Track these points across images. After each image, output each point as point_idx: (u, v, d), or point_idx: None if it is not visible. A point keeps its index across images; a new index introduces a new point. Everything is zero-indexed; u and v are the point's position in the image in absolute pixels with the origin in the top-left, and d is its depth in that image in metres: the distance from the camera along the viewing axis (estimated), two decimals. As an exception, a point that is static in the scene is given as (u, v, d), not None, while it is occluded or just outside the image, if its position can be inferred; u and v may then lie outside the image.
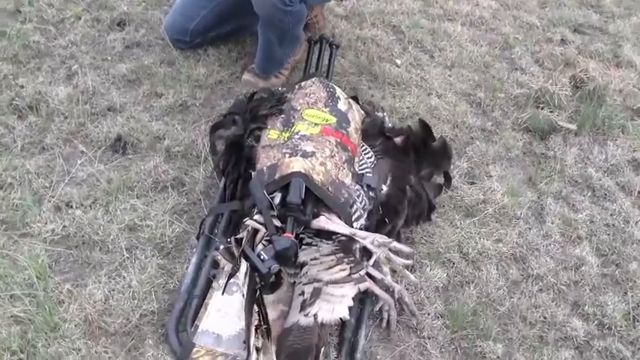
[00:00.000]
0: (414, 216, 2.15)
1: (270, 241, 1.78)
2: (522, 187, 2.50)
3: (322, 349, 1.82)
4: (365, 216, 1.99)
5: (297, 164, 1.92)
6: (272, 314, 1.89)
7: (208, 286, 1.96)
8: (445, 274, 2.15)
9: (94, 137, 2.39)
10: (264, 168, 1.98)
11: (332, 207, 1.92)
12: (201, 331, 1.86)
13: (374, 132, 2.20)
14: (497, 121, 2.75)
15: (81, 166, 2.27)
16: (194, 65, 2.76)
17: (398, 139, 2.23)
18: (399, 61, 2.94)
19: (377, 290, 1.94)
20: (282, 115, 2.14)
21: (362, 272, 1.89)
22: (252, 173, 2.01)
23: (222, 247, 1.95)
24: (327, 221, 1.89)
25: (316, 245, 1.94)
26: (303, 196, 1.85)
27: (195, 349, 1.83)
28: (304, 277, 1.92)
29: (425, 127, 2.25)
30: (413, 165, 2.18)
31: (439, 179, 2.38)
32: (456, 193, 2.41)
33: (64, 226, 2.09)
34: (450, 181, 2.39)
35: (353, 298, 1.86)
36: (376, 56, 2.93)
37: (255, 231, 1.86)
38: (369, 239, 1.86)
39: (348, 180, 1.99)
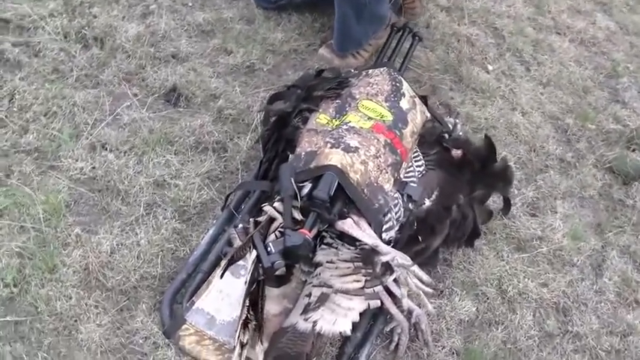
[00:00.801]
0: (456, 238, 1.96)
1: (282, 234, 1.64)
2: (588, 231, 2.25)
3: (314, 359, 1.69)
4: (397, 228, 1.82)
5: (335, 157, 1.76)
6: (274, 309, 1.77)
7: (217, 263, 1.86)
8: (475, 308, 1.96)
9: (150, 82, 2.31)
10: (303, 153, 1.84)
11: (363, 211, 1.76)
12: (196, 309, 1.76)
13: (431, 139, 2.01)
14: (579, 153, 2.48)
15: (127, 109, 2.20)
16: (272, 28, 2.63)
17: (456, 152, 2.02)
18: (490, 67, 2.70)
19: (393, 309, 1.78)
20: (338, 101, 1.98)
21: (377, 288, 1.74)
22: (290, 156, 1.87)
23: (240, 226, 1.83)
24: (352, 225, 1.73)
25: (336, 248, 1.79)
26: (332, 193, 1.70)
27: (184, 326, 1.74)
28: (315, 279, 1.78)
29: (489, 145, 2.04)
30: (466, 183, 1.97)
31: (495, 202, 2.16)
32: (512, 223, 2.19)
33: (93, 167, 2.03)
34: (509, 207, 2.17)
35: (361, 314, 1.71)
36: (467, 57, 2.71)
37: (272, 219, 1.72)
38: (390, 255, 1.70)
39: (388, 185, 1.82)
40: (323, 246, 1.80)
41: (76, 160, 2.03)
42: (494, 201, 2.16)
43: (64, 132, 2.08)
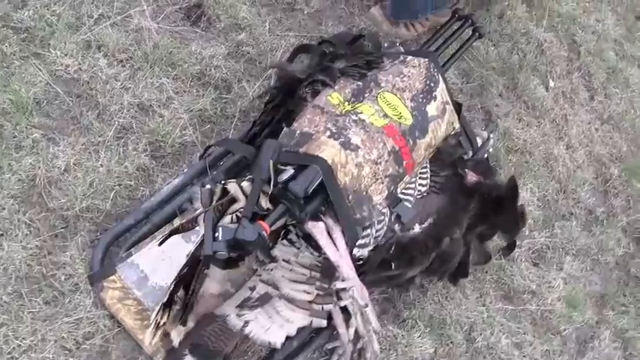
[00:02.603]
0: (439, 271, 1.74)
1: (238, 221, 1.44)
2: (588, 301, 2.02)
3: (233, 361, 1.53)
4: (371, 247, 1.61)
5: (328, 150, 1.53)
6: (214, 288, 1.60)
7: (170, 219, 1.68)
8: (433, 350, 1.78)
9: (175, -9, 2.07)
10: (298, 131, 1.61)
11: (340, 218, 1.54)
12: (130, 262, 1.60)
13: (446, 159, 1.75)
14: (612, 211, 2.21)
15: (139, 14, 1.96)
16: (333, -33, 2.33)
17: (472, 177, 1.77)
18: (552, 83, 2.40)
19: (341, 329, 1.60)
20: (359, 83, 1.72)
21: (326, 307, 1.55)
22: (284, 129, 1.64)
23: (208, 186, 1.63)
24: (322, 232, 1.52)
25: (298, 248, 1.60)
26: (309, 191, 1.48)
27: (112, 277, 1.58)
28: (266, 273, 1.59)
29: (512, 188, 1.78)
30: (469, 216, 1.73)
31: (497, 238, 1.92)
32: (509, 266, 1.97)
33: (80, 68, 1.82)
34: (511, 249, 1.94)
35: (299, 329, 1.54)
36: (531, 64, 2.39)
37: (234, 199, 1.52)
38: (347, 283, 1.50)
39: (379, 198, 1.60)
40: (284, 241, 1.60)
41: (65, 55, 1.82)
42: (489, 244, 1.91)
43: (63, 19, 1.86)
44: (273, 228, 1.49)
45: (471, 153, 1.89)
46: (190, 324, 1.55)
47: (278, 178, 1.51)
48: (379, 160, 1.59)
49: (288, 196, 1.48)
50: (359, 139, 1.58)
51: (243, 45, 2.04)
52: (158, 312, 1.45)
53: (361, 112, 1.64)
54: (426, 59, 1.81)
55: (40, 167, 1.65)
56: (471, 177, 1.78)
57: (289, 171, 1.53)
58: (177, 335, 1.50)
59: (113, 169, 1.70)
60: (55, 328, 1.51)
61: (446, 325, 1.82)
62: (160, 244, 1.50)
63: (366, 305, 1.51)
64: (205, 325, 1.53)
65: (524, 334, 1.89)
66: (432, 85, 1.75)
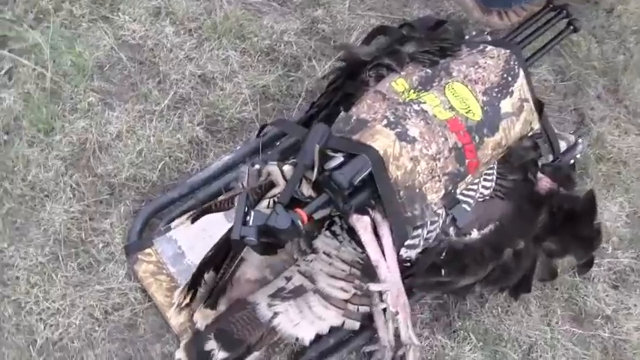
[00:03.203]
0: (498, 281, 1.58)
1: (274, 207, 1.35)
2: (671, 336, 1.80)
3: (255, 353, 1.44)
4: (420, 249, 1.48)
5: (382, 141, 1.41)
6: (252, 274, 1.52)
7: (216, 196, 1.61)
8: (484, 367, 1.63)
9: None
10: (354, 117, 1.50)
11: (389, 214, 1.42)
12: (168, 237, 1.55)
13: (516, 162, 1.59)
14: None
15: (219, -20, 1.90)
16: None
17: (545, 184, 1.60)
18: (660, 89, 2.15)
19: (381, 331, 1.48)
20: (429, 70, 1.59)
21: (362, 308, 1.44)
22: (341, 113, 1.54)
23: (257, 166, 1.55)
24: (367, 227, 1.41)
25: (341, 242, 1.49)
26: (355, 182, 1.36)
27: (147, 250, 1.54)
28: (304, 264, 1.50)
29: (590, 202, 1.59)
30: (537, 228, 1.56)
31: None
32: (583, 285, 1.77)
33: (146, 35, 1.79)
34: (589, 267, 1.74)
35: (332, 328, 1.44)
36: (638, 67, 2.15)
37: (273, 184, 1.43)
38: (382, 286, 1.38)
39: (433, 197, 1.46)
40: (328, 233, 1.50)
41: (133, 20, 1.79)
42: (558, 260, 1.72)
43: (140, -16, 1.83)
44: (317, 217, 1.39)
45: (551, 157, 1.71)
46: (222, 307, 1.48)
47: (325, 165, 1.41)
48: (438, 156, 1.46)
49: (331, 185, 1.38)
50: (417, 131, 1.45)
51: (318, 22, 1.94)
52: (182, 291, 1.39)
53: (424, 102, 1.51)
54: (508, 51, 1.64)
55: (92, 131, 1.63)
56: (545, 184, 1.60)
57: (338, 158, 1.42)
58: (201, 318, 1.43)
59: (165, 140, 1.65)
60: (86, 295, 1.49)
61: (502, 342, 1.67)
62: (193, 221, 1.44)
63: (397, 313, 1.38)
64: (235, 311, 1.46)
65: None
66: (510, 79, 1.59)
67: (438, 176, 1.46)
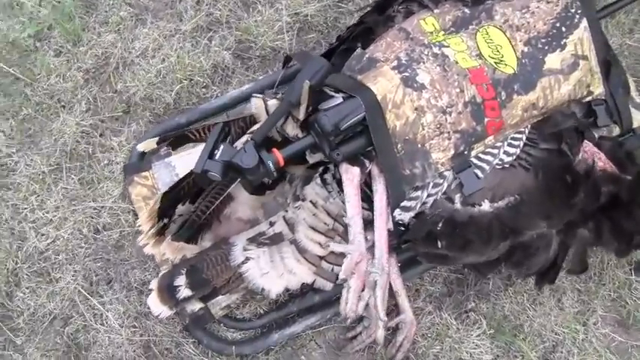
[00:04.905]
0: (520, 264, 1.35)
1: (245, 143, 1.23)
2: None
3: (222, 295, 1.37)
4: (412, 214, 1.29)
5: (383, 85, 1.24)
6: (243, 212, 1.44)
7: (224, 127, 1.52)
8: (491, 357, 1.44)
9: None
10: (367, 55, 1.32)
11: (385, 169, 1.25)
12: (167, 162, 1.51)
13: (549, 128, 1.32)
14: None
15: None
16: None
17: (588, 161, 1.32)
18: None
19: (379, 300, 1.30)
20: (468, 11, 1.35)
21: (337, 268, 1.30)
22: (357, 50, 1.37)
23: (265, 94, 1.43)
24: (353, 179, 1.26)
25: (330, 192, 1.35)
26: (342, 127, 1.20)
27: (144, 173, 1.50)
28: (292, 211, 1.38)
29: (638, 186, 1.30)
30: (571, 212, 1.30)
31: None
32: (638, 286, 1.50)
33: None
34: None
35: (302, 285, 1.32)
36: None
37: (254, 119, 1.31)
38: (346, 248, 1.22)
39: (439, 156, 1.26)
40: (319, 180, 1.37)
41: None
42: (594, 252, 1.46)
43: None
44: (311, 162, 1.28)
45: (617, 131, 1.42)
46: (207, 244, 1.41)
47: (321, 104, 1.27)
48: (449, 109, 1.25)
49: (316, 128, 1.24)
50: (428, 78, 1.25)
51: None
52: (147, 219, 1.32)
53: (447, 46, 1.29)
54: (578, -1, 1.35)
55: (118, 46, 1.59)
56: (592, 159, 1.32)
57: (337, 99, 1.27)
58: (170, 250, 1.36)
59: (186, 62, 1.58)
60: (79, 210, 1.49)
61: (521, 334, 1.45)
62: (168, 145, 1.37)
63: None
64: (213, 249, 1.38)
65: (628, 372, 1.45)
66: (565, 29, 1.32)
67: (448, 133, 1.26)
